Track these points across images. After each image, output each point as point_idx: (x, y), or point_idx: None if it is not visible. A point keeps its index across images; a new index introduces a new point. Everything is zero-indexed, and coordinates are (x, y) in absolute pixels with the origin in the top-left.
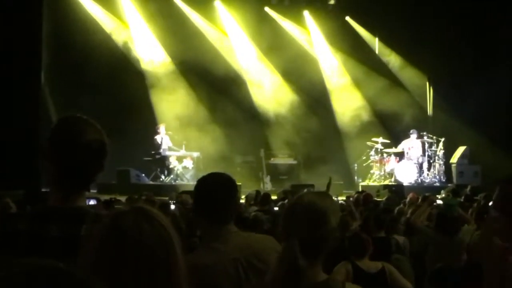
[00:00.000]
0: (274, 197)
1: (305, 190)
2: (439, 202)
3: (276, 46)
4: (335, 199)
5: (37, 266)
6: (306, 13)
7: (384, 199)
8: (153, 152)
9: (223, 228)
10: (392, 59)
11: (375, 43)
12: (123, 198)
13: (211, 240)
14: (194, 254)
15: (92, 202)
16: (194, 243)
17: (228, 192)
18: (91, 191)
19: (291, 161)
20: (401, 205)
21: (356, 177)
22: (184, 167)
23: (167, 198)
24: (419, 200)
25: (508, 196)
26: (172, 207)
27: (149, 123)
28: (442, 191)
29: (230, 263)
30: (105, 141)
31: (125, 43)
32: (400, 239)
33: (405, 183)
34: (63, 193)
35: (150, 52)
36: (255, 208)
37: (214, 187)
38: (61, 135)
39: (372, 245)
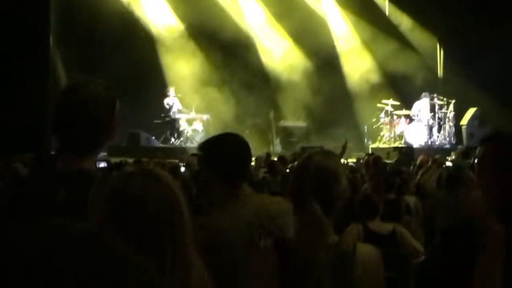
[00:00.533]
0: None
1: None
2: (449, 164)
3: (285, 9)
4: (344, 160)
5: (65, 226)
6: None
7: (393, 161)
8: (163, 115)
9: (237, 189)
10: (403, 21)
11: (385, 4)
12: (133, 161)
13: (225, 201)
14: (208, 216)
15: (102, 164)
16: (203, 205)
17: (241, 152)
18: (103, 154)
19: (300, 123)
20: (411, 167)
21: (366, 139)
22: (194, 130)
23: (177, 160)
24: (429, 162)
25: (484, 158)
26: (182, 169)
27: (159, 86)
28: (452, 153)
29: (245, 226)
30: (99, 98)
31: (135, 6)
32: (411, 200)
33: (415, 145)
34: (62, 154)
35: (160, 15)
36: (264, 170)
37: (228, 147)
38: (62, 96)
39: (383, 207)
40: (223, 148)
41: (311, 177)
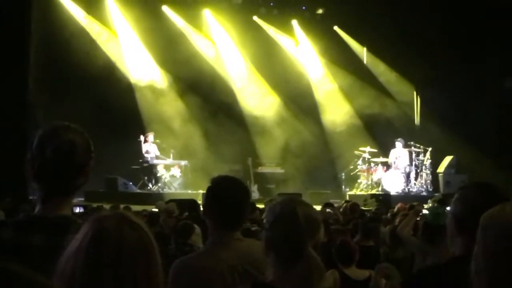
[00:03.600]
0: (261, 206)
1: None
2: (425, 211)
3: (264, 55)
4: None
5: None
6: (294, 22)
7: (373, 208)
8: (140, 160)
9: (228, 234)
10: (380, 69)
11: (363, 53)
12: (109, 206)
13: (213, 244)
14: (195, 256)
15: (77, 209)
16: (170, 250)
17: (241, 197)
18: (79, 199)
19: (278, 170)
20: (388, 215)
21: (343, 186)
22: (172, 176)
23: (153, 206)
24: (407, 209)
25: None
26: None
27: (137, 131)
28: (429, 201)
29: (227, 269)
30: (79, 143)
31: (114, 52)
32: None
33: (392, 193)
34: (41, 198)
35: (139, 61)
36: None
37: (229, 191)
38: (38, 139)
39: (360, 254)
40: (226, 194)
41: (301, 226)
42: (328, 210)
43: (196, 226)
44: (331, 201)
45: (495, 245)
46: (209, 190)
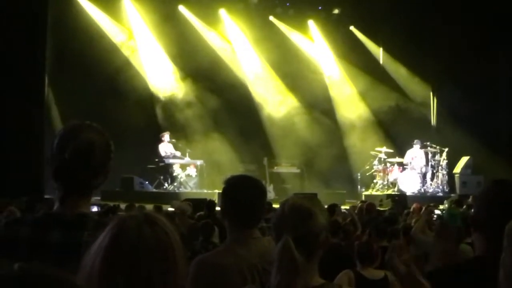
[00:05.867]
0: (277, 206)
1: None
2: (438, 212)
3: (280, 55)
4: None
5: (27, 271)
6: (310, 22)
7: (388, 208)
8: (157, 160)
9: (246, 232)
10: (396, 69)
11: (380, 53)
12: (125, 206)
13: (233, 242)
14: (214, 254)
15: (94, 208)
16: (194, 248)
17: (257, 197)
18: (95, 198)
19: (294, 169)
20: (404, 217)
21: (359, 187)
22: (188, 175)
23: (169, 206)
24: (422, 210)
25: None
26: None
27: (154, 131)
28: (445, 201)
29: (248, 268)
30: (98, 143)
31: (131, 53)
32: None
33: (408, 193)
34: (60, 197)
35: (155, 62)
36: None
37: (244, 191)
38: (58, 138)
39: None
40: (241, 194)
41: (287, 215)
42: (343, 210)
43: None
44: (347, 201)
45: None
46: (225, 190)
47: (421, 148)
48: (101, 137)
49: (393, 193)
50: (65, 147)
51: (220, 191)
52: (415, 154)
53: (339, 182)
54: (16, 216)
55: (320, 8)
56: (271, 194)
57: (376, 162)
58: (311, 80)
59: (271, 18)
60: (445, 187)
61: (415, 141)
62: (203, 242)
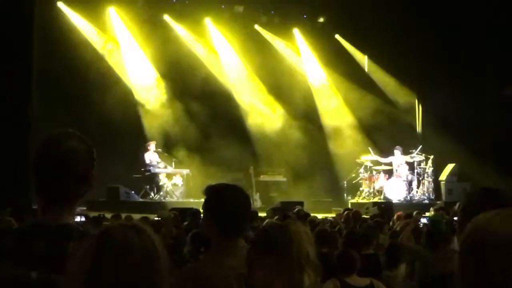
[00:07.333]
0: (263, 214)
1: (296, 208)
2: (424, 221)
3: (265, 64)
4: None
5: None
6: (295, 31)
7: (370, 216)
8: (142, 169)
9: (231, 241)
10: (381, 77)
11: (365, 61)
12: (111, 216)
13: (218, 252)
14: (199, 264)
15: (80, 218)
16: (181, 258)
17: (241, 206)
18: (80, 208)
19: (280, 178)
20: (390, 223)
21: (345, 194)
22: (174, 184)
23: (156, 215)
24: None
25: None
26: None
27: (139, 140)
28: (431, 209)
29: (234, 278)
30: (80, 151)
31: (116, 62)
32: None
33: (394, 201)
34: (42, 207)
35: (140, 71)
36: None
37: (227, 200)
38: (40, 147)
39: (360, 262)
40: (224, 203)
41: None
42: (330, 218)
43: None
44: (333, 209)
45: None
46: (207, 199)
47: (402, 154)
48: (83, 145)
49: (379, 200)
50: (47, 155)
51: None
52: (401, 162)
53: (325, 190)
54: (12, 226)
55: (305, 16)
56: (257, 202)
57: (362, 170)
58: (297, 88)
59: (256, 26)
60: (431, 194)
61: (396, 147)
62: (192, 251)
